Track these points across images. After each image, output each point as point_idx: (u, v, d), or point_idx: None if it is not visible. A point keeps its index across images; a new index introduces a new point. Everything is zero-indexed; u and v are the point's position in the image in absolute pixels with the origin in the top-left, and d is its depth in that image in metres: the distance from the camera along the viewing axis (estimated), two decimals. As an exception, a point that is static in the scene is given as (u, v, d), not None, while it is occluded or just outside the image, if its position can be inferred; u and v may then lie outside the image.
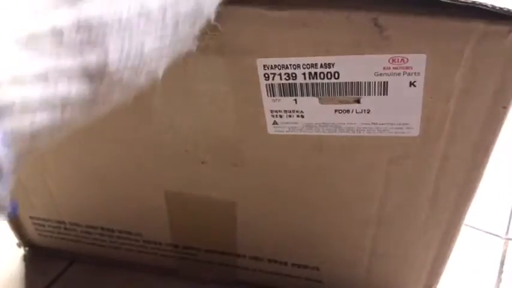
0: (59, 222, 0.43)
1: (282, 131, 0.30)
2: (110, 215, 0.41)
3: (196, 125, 0.32)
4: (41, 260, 0.46)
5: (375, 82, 0.26)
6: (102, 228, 0.42)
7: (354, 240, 0.35)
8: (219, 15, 0.26)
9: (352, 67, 0.26)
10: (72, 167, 0.38)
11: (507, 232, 0.49)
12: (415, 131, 0.28)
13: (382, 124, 0.28)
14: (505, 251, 0.47)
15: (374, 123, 0.28)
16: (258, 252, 0.39)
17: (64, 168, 0.38)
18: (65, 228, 0.44)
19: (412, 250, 0.34)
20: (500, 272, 0.45)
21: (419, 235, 0.33)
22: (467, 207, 0.31)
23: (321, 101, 0.28)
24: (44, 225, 0.44)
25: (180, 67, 0.29)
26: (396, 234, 0.34)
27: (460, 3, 0.22)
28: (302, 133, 0.30)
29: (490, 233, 0.49)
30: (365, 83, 0.27)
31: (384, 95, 0.27)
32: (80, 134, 0.35)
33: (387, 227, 0.33)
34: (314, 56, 0.26)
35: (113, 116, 0.33)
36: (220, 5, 0.24)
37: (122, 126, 0.33)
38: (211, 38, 0.27)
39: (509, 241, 0.48)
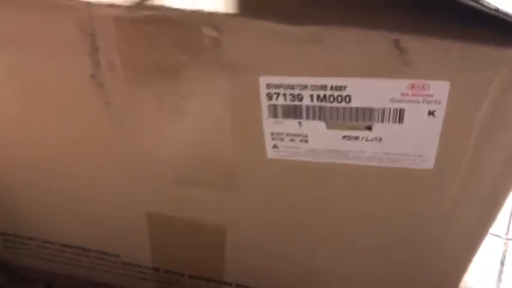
0: (30, 239, 0.40)
1: (283, 156, 0.27)
2: (86, 234, 0.38)
3: (187, 144, 0.29)
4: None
5: (390, 109, 0.24)
6: (78, 248, 0.39)
7: (355, 275, 0.33)
8: (222, 26, 0.23)
9: (366, 91, 0.24)
10: (45, 183, 0.34)
11: (507, 232, 0.49)
12: (429, 164, 0.26)
13: (394, 154, 0.26)
14: (505, 251, 0.47)
15: (385, 153, 0.26)
16: (247, 281, 0.36)
17: (37, 183, 0.35)
18: (37, 246, 0.40)
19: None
20: (501, 272, 0.44)
21: (425, 272, 0.31)
22: (479, 246, 0.29)
23: (328, 126, 0.25)
24: (14, 242, 0.40)
25: (171, 81, 0.26)
26: (401, 272, 0.31)
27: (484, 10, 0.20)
28: (305, 159, 0.27)
29: (490, 233, 0.48)
30: (379, 109, 0.24)
31: (398, 123, 0.24)
32: (55, 150, 0.32)
33: (392, 265, 0.31)
34: (324, 76, 0.24)
35: (93, 130, 0.31)
36: (224, 15, 0.21)
37: (104, 143, 0.30)
38: (211, 50, 0.24)
39: (509, 241, 0.48)
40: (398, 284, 0.32)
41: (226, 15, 0.22)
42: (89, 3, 0.24)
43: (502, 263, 0.46)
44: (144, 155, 0.30)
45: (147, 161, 0.30)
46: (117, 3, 0.23)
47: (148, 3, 0.23)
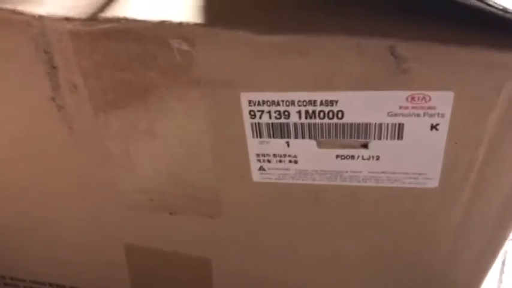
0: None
1: (270, 179, 0.25)
2: (60, 269, 0.34)
3: (162, 169, 0.26)
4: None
5: (387, 124, 0.21)
6: (51, 285, 0.35)
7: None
8: (193, 38, 0.20)
9: (360, 105, 0.21)
10: (14, 216, 0.31)
11: (508, 233, 0.47)
12: (433, 183, 0.23)
13: (394, 173, 0.23)
14: (505, 252, 0.44)
15: (383, 172, 0.23)
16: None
17: (4, 216, 0.32)
18: (5, 284, 0.37)
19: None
20: (501, 272, 0.42)
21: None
22: (489, 268, 0.26)
23: (320, 145, 0.23)
24: (-21, 280, 0.37)
25: (140, 102, 0.23)
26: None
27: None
28: (295, 181, 0.24)
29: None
30: (375, 124, 0.21)
31: (398, 139, 0.22)
32: (19, 180, 0.29)
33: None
34: (313, 91, 0.21)
35: (59, 158, 0.28)
36: (195, 25, 0.18)
37: (71, 171, 0.27)
38: (183, 66, 0.21)
39: (510, 241, 0.45)
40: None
41: (197, 26, 0.19)
42: (41, 17, 0.21)
43: (503, 263, 0.43)
44: (114, 182, 0.27)
45: (119, 189, 0.27)
46: (72, 16, 0.20)
47: (108, 14, 0.20)
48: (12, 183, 0.29)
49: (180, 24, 0.20)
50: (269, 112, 0.22)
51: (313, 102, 0.21)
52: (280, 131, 0.22)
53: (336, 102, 0.21)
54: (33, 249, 0.33)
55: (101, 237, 0.31)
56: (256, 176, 0.25)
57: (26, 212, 0.30)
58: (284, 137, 0.23)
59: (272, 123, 0.22)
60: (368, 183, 0.24)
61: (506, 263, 0.43)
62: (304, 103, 0.21)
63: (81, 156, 0.26)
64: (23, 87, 0.24)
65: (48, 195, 0.29)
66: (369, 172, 0.23)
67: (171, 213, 0.28)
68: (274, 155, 0.24)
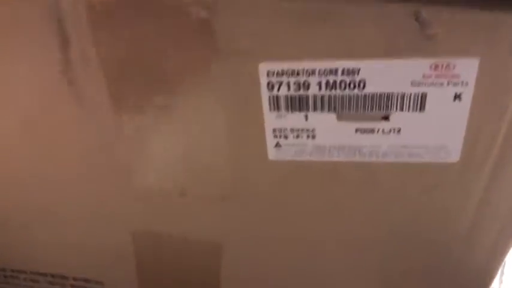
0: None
1: (286, 157, 0.24)
2: (63, 259, 0.33)
3: (173, 148, 0.25)
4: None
5: (410, 94, 0.21)
6: (53, 275, 0.34)
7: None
8: (212, 5, 0.20)
9: (382, 74, 0.20)
10: (18, 201, 0.30)
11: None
12: (454, 157, 0.23)
13: (414, 148, 0.23)
14: None
15: (404, 147, 0.23)
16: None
17: (6, 202, 0.31)
18: (5, 276, 0.35)
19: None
20: (502, 273, 0.41)
21: (451, 278, 0.27)
22: (508, 249, 0.26)
23: (339, 118, 0.22)
24: (-22, 273, 0.36)
25: (155, 75, 0.22)
26: (424, 280, 0.28)
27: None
28: (311, 159, 0.24)
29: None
30: (398, 95, 0.21)
31: (419, 110, 0.21)
32: (26, 163, 0.28)
33: (413, 274, 0.27)
34: (334, 60, 0.20)
35: (66, 138, 0.27)
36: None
37: (80, 151, 0.26)
38: (201, 36, 0.20)
39: None
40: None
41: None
42: (56, -16, 0.20)
43: (503, 264, 0.43)
44: (125, 163, 0.26)
45: (129, 170, 0.26)
46: (88, -17, 0.20)
47: (126, -21, 0.19)
48: (17, 165, 0.28)
49: (200, -12, 0.19)
50: (288, 83, 0.21)
51: (334, 72, 0.21)
52: (299, 103, 0.22)
53: (358, 71, 0.21)
54: (35, 238, 0.32)
55: (108, 223, 0.30)
56: (272, 154, 0.24)
57: (30, 197, 0.29)
58: (302, 110, 0.22)
59: (291, 96, 0.22)
60: (387, 159, 0.23)
61: (506, 264, 0.43)
62: (325, 73, 0.21)
63: (92, 135, 0.25)
64: (33, 60, 0.23)
65: (56, 178, 0.28)
66: (389, 147, 0.23)
67: (181, 195, 0.27)
68: (292, 130, 0.23)
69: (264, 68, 0.21)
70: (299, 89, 0.21)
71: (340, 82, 0.21)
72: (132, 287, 0.33)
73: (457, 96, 0.21)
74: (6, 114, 0.26)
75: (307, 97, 0.22)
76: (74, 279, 0.34)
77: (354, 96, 0.21)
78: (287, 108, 0.22)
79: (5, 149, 0.27)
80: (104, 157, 0.26)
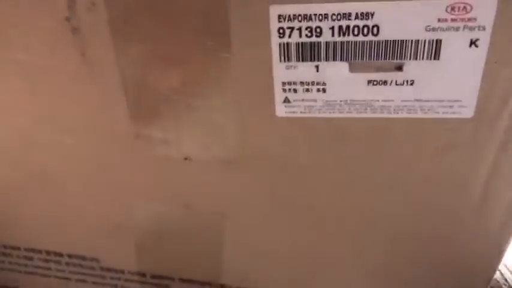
0: None
1: (295, 113, 0.23)
2: (58, 235, 0.32)
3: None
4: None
5: (424, 41, 0.20)
6: (48, 252, 0.33)
7: (373, 267, 0.28)
8: None
9: (397, 18, 0.20)
10: (13, 167, 0.29)
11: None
12: (468, 112, 0.22)
13: (428, 101, 0.22)
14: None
15: (417, 100, 0.22)
16: (249, 282, 0.31)
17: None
18: (-2, 253, 0.34)
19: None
20: None
21: (460, 249, 0.26)
22: (523, 216, 0.25)
23: (352, 69, 0.21)
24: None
25: (163, 23, 0.22)
26: (432, 252, 0.26)
27: None
28: (321, 115, 0.23)
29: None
30: (412, 42, 0.20)
31: (434, 59, 0.21)
32: (27, 117, 0.27)
33: (423, 246, 0.26)
34: (348, 2, 0.20)
35: (72, 91, 0.26)
36: None
37: (83, 106, 0.25)
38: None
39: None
40: (430, 271, 0.27)
41: None
42: None
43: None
44: (128, 126, 0.25)
45: (132, 130, 0.25)
46: None
47: None
48: (18, 123, 0.27)
49: None
50: (300, 29, 0.21)
51: (347, 16, 0.20)
52: (310, 51, 0.21)
53: (372, 14, 0.20)
54: (32, 210, 0.31)
55: (108, 192, 0.29)
56: (280, 110, 0.23)
57: (26, 161, 0.28)
58: (314, 60, 0.21)
59: (302, 43, 0.21)
60: (400, 114, 0.22)
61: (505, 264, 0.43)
62: (339, 16, 0.20)
63: (94, 89, 0.24)
64: (35, 6, 0.22)
65: (54, 138, 0.27)
66: (402, 101, 0.22)
67: (185, 159, 0.26)
68: (302, 83, 0.22)
69: (274, 10, 0.20)
70: (311, 34, 0.21)
71: (354, 27, 0.20)
72: (129, 263, 0.32)
73: (473, 43, 0.20)
74: (6, 65, 0.25)
75: (319, 44, 0.21)
76: (69, 256, 0.33)
77: (367, 43, 0.21)
78: (298, 58, 0.22)
79: (5, 106, 0.26)
80: (106, 119, 0.25)
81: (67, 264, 0.33)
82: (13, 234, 0.33)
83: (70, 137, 0.27)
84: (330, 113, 0.23)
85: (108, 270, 0.33)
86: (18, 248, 0.33)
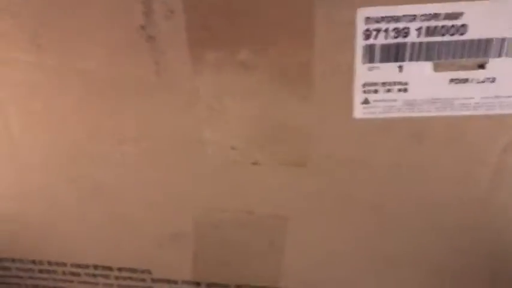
0: (33, 262, 0.32)
1: (374, 113, 0.23)
2: (109, 248, 0.31)
3: (254, 108, 0.24)
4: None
5: (511, 39, 0.21)
6: (96, 267, 0.32)
7: (433, 264, 0.28)
8: None
9: (485, 17, 0.20)
10: (64, 182, 0.28)
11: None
12: (545, 106, 0.22)
13: (508, 97, 0.22)
14: None
15: (497, 97, 0.22)
16: (308, 284, 0.31)
17: (57, 182, 0.28)
18: (40, 271, 0.33)
19: None
20: None
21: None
22: None
23: (435, 68, 0.22)
24: (10, 269, 0.33)
25: (245, 26, 0.21)
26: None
27: None
28: (400, 115, 0.23)
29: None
30: (497, 40, 0.21)
31: (518, 56, 0.21)
32: (89, 128, 0.26)
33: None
34: (437, 3, 0.20)
35: (141, 100, 0.25)
36: None
37: (151, 115, 0.24)
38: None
39: None
40: (489, 260, 0.28)
41: None
42: None
43: None
44: (197, 133, 0.25)
45: (202, 138, 0.25)
46: None
47: None
48: (70, 137, 0.26)
49: None
50: (386, 31, 0.21)
51: (436, 16, 0.20)
52: (395, 52, 0.21)
53: (461, 15, 0.20)
54: (82, 225, 0.30)
55: (168, 202, 0.28)
56: (358, 112, 0.23)
57: (81, 175, 0.27)
58: (398, 60, 0.21)
59: (387, 45, 0.21)
60: (478, 111, 0.23)
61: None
62: (427, 17, 0.20)
63: (166, 97, 0.24)
64: (110, 12, 0.21)
65: (112, 150, 0.26)
66: (482, 98, 0.22)
67: (254, 163, 0.26)
68: (383, 84, 0.22)
69: (362, 14, 0.20)
70: (398, 35, 0.21)
71: (441, 27, 0.20)
72: (183, 273, 0.31)
73: (558, 39, 0.20)
74: (69, 76, 0.24)
75: (404, 45, 0.21)
76: (119, 269, 0.32)
77: (452, 42, 0.21)
78: (382, 59, 0.21)
79: (61, 119, 0.25)
80: (174, 126, 0.25)
81: (116, 278, 0.32)
82: (59, 249, 0.32)
83: (130, 146, 0.26)
84: (409, 112, 0.23)
85: (160, 281, 0.32)
86: (64, 264, 0.32)
